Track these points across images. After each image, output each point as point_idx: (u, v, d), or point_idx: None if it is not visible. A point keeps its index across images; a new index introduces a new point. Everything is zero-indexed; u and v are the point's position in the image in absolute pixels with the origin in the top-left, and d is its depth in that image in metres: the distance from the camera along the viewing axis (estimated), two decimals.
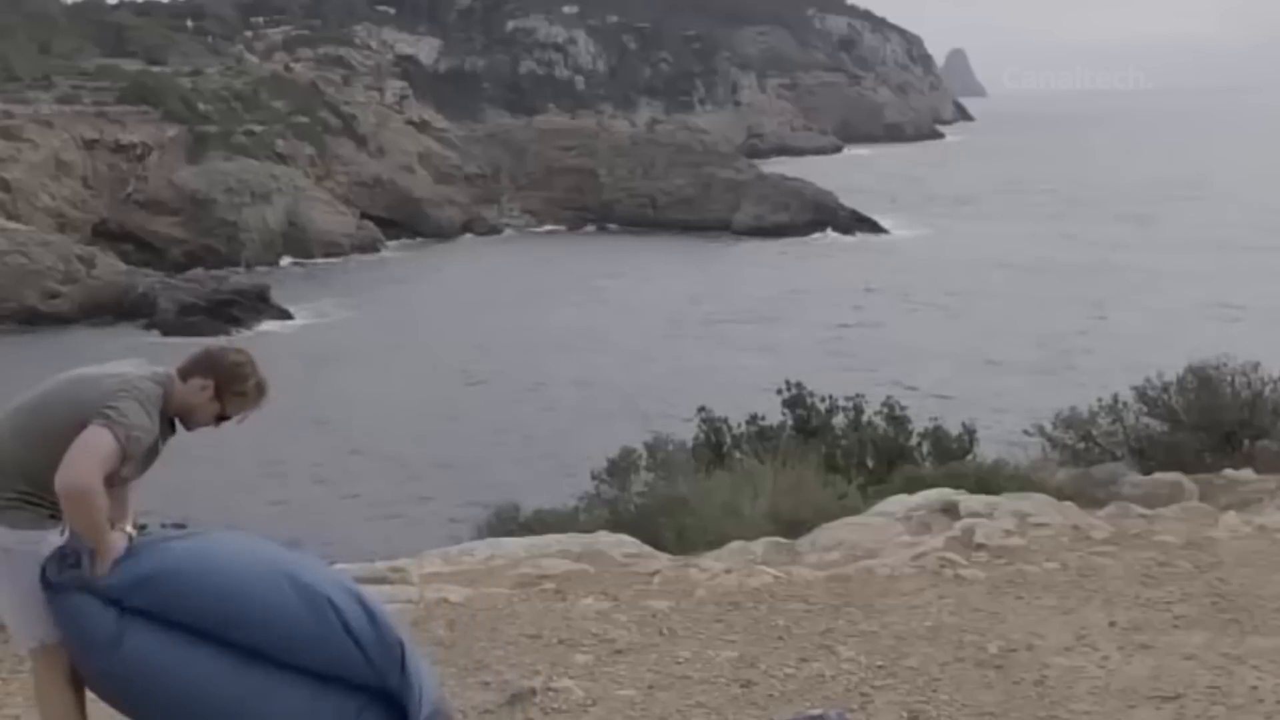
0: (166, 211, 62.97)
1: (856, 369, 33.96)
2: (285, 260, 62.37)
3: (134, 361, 3.85)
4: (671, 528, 7.93)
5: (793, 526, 7.19)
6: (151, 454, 3.73)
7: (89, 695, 3.75)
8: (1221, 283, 50.17)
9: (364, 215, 69.11)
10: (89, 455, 3.46)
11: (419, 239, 70.22)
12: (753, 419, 11.36)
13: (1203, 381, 9.23)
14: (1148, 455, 9.06)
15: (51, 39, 75.67)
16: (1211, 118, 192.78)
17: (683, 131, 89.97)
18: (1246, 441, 9.01)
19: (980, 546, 6.12)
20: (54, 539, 3.60)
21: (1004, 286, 53.14)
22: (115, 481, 3.59)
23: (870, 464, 10.17)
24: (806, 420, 10.88)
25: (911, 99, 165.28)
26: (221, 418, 3.86)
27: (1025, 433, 10.00)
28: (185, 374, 3.80)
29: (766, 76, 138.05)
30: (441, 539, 9.40)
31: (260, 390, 3.89)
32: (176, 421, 3.81)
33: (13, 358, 39.48)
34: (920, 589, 5.57)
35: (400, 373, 39.59)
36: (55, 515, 3.58)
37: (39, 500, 3.57)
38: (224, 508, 23.93)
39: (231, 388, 3.83)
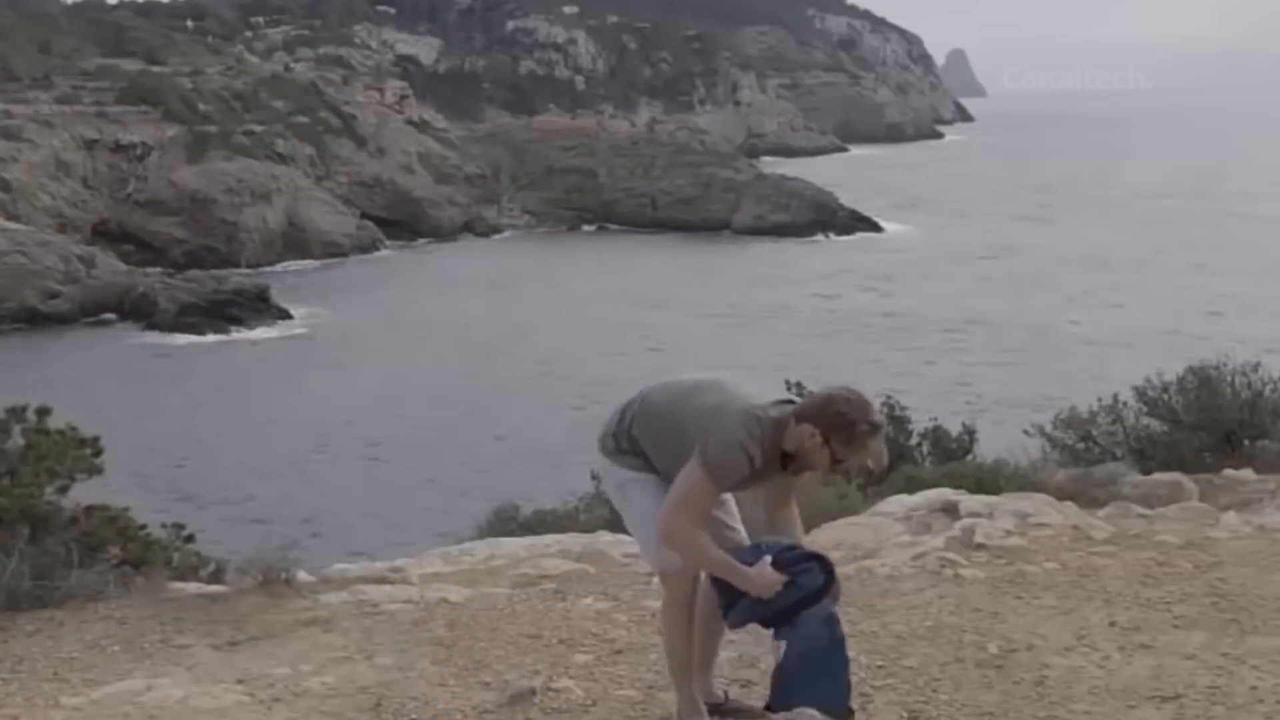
0: (166, 211, 62.97)
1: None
2: (285, 260, 62.36)
3: (766, 385, 4.03)
4: None
5: None
6: (760, 478, 3.90)
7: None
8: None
9: (364, 215, 69.12)
10: (676, 504, 3.79)
11: (419, 239, 70.24)
12: None
13: (1203, 381, 9.22)
14: (1148, 455, 9.04)
15: (51, 39, 75.63)
16: (1211, 118, 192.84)
17: (683, 131, 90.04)
18: (1246, 441, 8.99)
19: (980, 546, 6.11)
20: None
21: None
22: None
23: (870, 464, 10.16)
24: None
25: (911, 99, 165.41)
26: (837, 462, 3.84)
27: (1025, 433, 9.98)
28: (799, 417, 3.83)
29: (766, 76, 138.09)
30: (441, 539, 9.40)
31: (873, 433, 3.81)
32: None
33: (13, 358, 39.49)
34: (920, 589, 5.56)
35: (400, 372, 39.59)
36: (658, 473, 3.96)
37: (648, 467, 3.98)
38: (224, 507, 23.95)
39: (838, 435, 3.79)
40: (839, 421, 3.78)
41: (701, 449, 3.77)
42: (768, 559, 3.85)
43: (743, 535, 4.10)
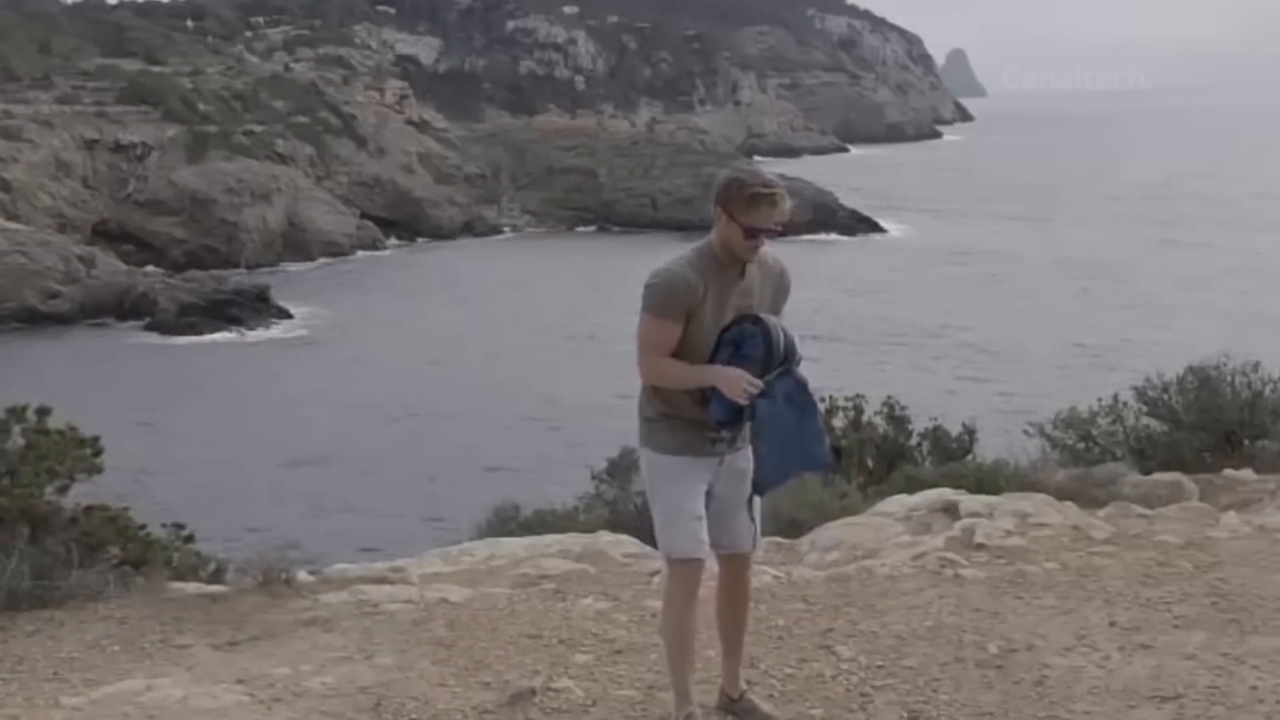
0: (166, 211, 62.95)
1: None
2: (285, 260, 62.36)
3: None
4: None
5: (793, 526, 7.18)
6: (725, 302, 3.97)
7: None
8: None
9: (364, 215, 69.11)
10: (639, 351, 4.00)
11: (419, 239, 70.24)
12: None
13: (1203, 381, 9.21)
14: (1148, 455, 9.04)
15: (51, 39, 75.60)
16: (1211, 118, 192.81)
17: (683, 131, 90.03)
18: (1246, 441, 8.99)
19: (980, 546, 6.11)
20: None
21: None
22: (701, 339, 3.95)
23: (870, 464, 10.16)
24: None
25: (911, 99, 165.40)
26: (751, 235, 3.93)
27: (1025, 432, 9.98)
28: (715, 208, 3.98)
29: (766, 76, 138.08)
30: (441, 539, 9.39)
31: (768, 196, 3.91)
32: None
33: (13, 358, 39.48)
34: (920, 589, 5.57)
35: (400, 372, 39.59)
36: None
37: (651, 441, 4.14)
38: (223, 507, 23.92)
39: (736, 205, 3.92)
40: (732, 190, 3.92)
41: (643, 297, 3.97)
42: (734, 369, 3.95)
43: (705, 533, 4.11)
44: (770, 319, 4.01)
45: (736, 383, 3.87)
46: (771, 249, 4.08)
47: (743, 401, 3.89)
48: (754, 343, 3.96)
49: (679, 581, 4.06)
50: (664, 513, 4.05)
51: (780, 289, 4.16)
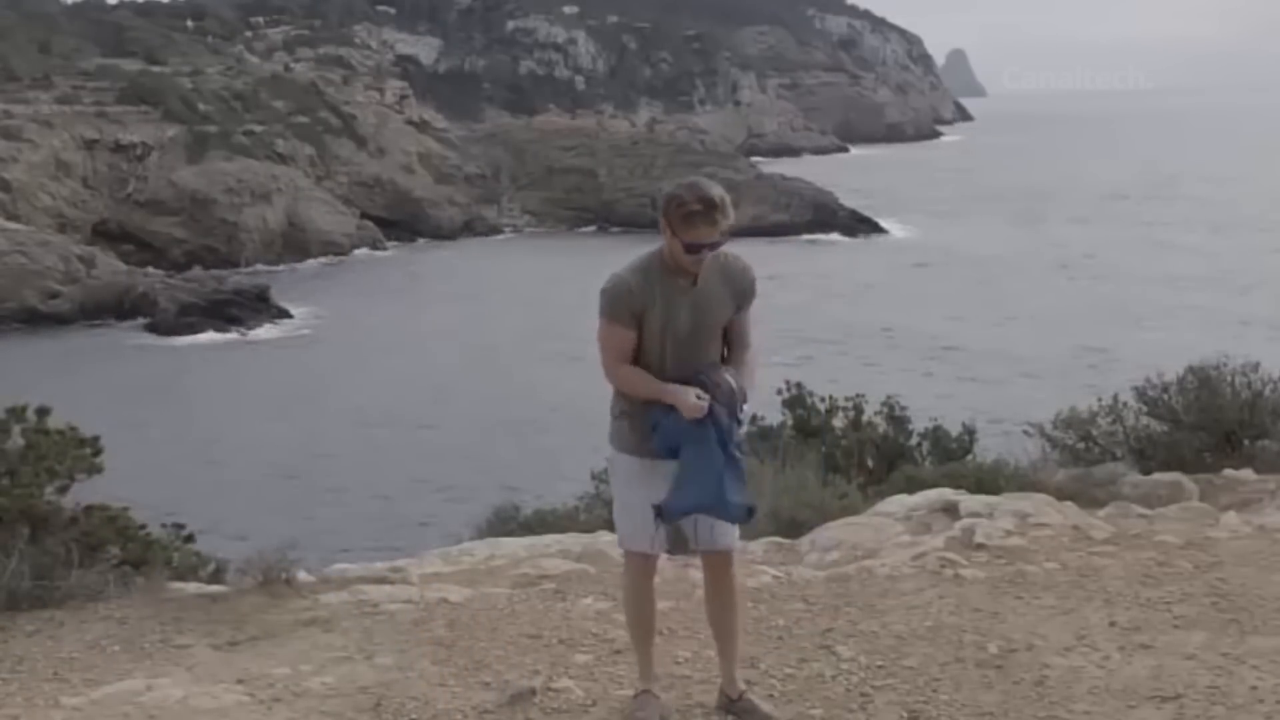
0: (166, 211, 62.98)
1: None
2: (285, 260, 62.37)
3: None
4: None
5: (792, 526, 7.18)
6: (675, 309, 4.02)
7: None
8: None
9: (364, 215, 69.14)
10: (601, 356, 4.10)
11: (419, 239, 70.25)
12: (752, 419, 11.35)
13: (1203, 381, 9.20)
14: (1148, 455, 9.03)
15: (51, 39, 75.64)
16: (1211, 118, 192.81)
17: (683, 131, 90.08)
18: (1246, 441, 8.98)
19: (980, 546, 6.11)
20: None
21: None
22: (653, 344, 4.03)
23: (870, 464, 10.15)
24: (806, 420, 10.85)
25: (911, 99, 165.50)
26: (692, 250, 3.96)
27: (1025, 433, 9.97)
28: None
29: (766, 76, 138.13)
30: (441, 539, 9.39)
31: (703, 210, 3.93)
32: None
33: (13, 358, 39.48)
34: (920, 589, 5.56)
35: (400, 372, 39.60)
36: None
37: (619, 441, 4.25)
38: (221, 507, 23.91)
39: (675, 218, 3.95)
40: (671, 206, 3.95)
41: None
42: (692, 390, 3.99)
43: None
44: (716, 374, 4.04)
45: (690, 403, 3.94)
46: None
47: (697, 416, 3.93)
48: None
49: (631, 572, 4.30)
50: (620, 507, 4.26)
51: (742, 291, 4.16)
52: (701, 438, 3.97)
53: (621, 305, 4.02)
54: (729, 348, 4.18)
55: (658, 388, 4.00)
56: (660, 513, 4.06)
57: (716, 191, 3.98)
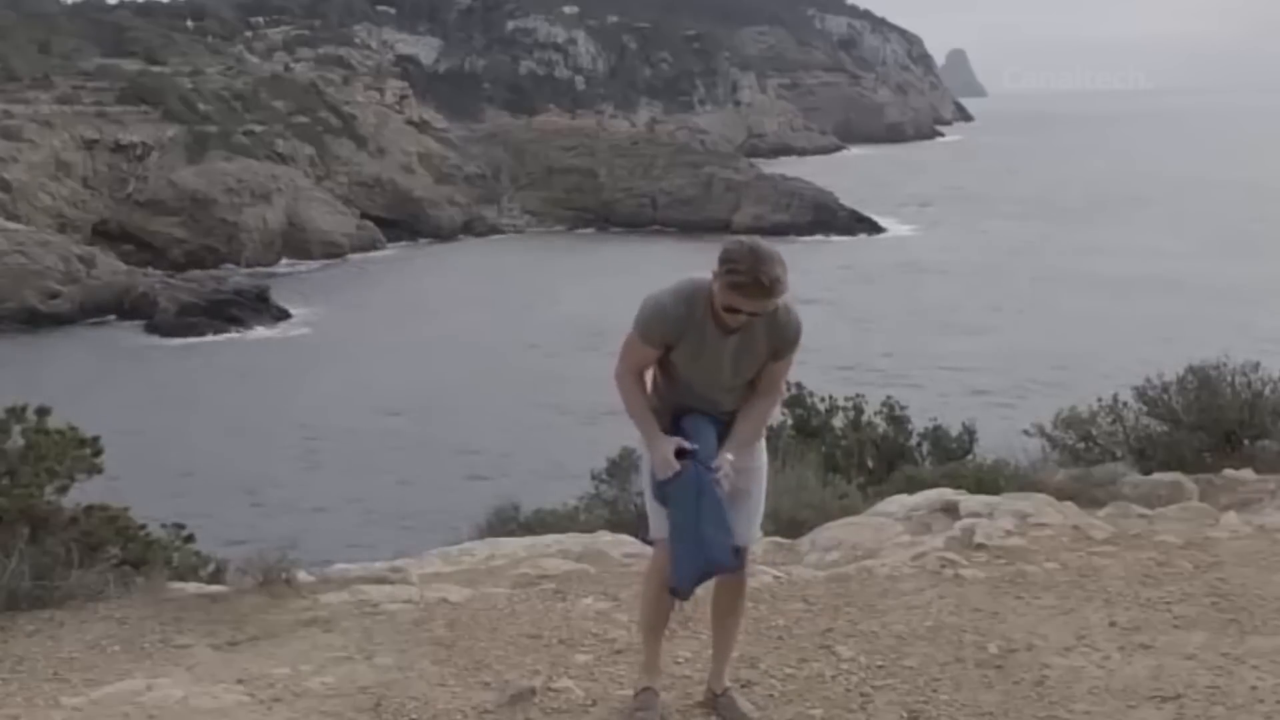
0: (166, 211, 62.98)
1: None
2: (285, 260, 62.38)
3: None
4: None
5: (793, 526, 7.18)
6: (708, 350, 3.97)
7: None
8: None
9: (364, 215, 69.13)
10: (619, 356, 4.10)
11: (419, 239, 70.24)
12: None
13: (1203, 381, 9.21)
14: (1148, 455, 9.03)
15: (51, 39, 75.59)
16: (1211, 118, 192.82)
17: (683, 131, 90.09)
18: (1246, 441, 8.99)
19: (980, 546, 6.11)
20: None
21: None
22: (679, 368, 4.03)
23: (870, 464, 10.16)
24: (806, 420, 10.87)
25: (911, 99, 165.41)
26: (729, 310, 3.85)
27: (1025, 432, 9.97)
28: None
29: (766, 76, 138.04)
30: (441, 539, 9.39)
31: (750, 285, 3.77)
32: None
33: (13, 358, 39.49)
34: (920, 589, 5.56)
35: (400, 372, 39.59)
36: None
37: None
38: (223, 506, 23.92)
39: (722, 277, 3.82)
40: (724, 265, 3.82)
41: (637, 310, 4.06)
42: (679, 441, 4.00)
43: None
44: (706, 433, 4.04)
45: (659, 462, 3.99)
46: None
47: (664, 476, 3.97)
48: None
49: (658, 560, 4.24)
50: (646, 498, 4.25)
51: (785, 341, 4.06)
52: (679, 495, 3.97)
53: (655, 329, 3.99)
54: (751, 390, 4.14)
55: (644, 427, 4.06)
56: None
57: (774, 273, 3.80)
